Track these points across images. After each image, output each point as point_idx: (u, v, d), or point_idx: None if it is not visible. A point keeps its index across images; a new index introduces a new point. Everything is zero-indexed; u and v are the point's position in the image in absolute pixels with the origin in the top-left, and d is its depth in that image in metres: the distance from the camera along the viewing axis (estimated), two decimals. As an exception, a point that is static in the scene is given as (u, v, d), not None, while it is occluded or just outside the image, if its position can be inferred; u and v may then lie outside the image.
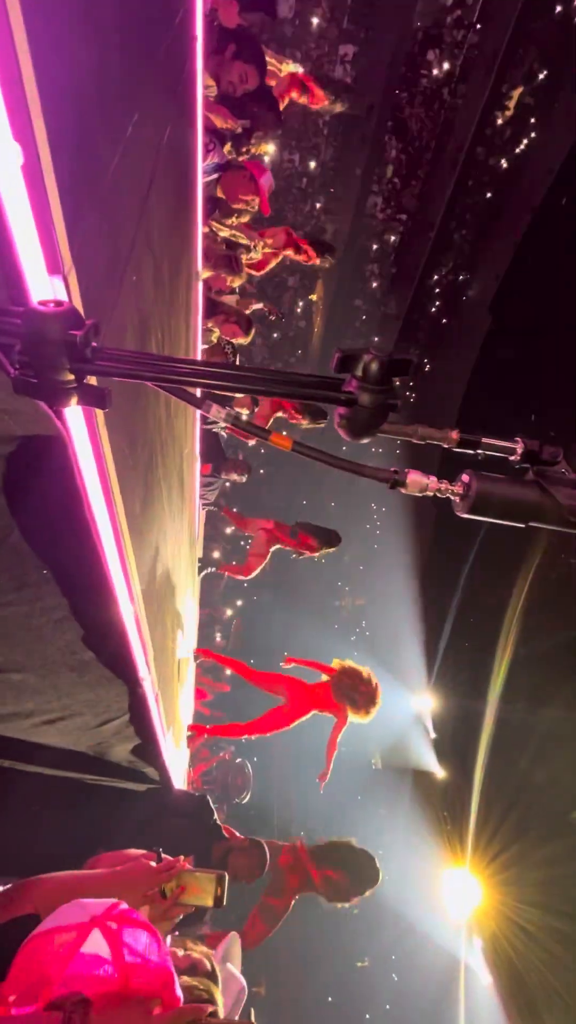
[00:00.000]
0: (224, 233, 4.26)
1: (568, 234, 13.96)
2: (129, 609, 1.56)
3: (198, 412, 4.43)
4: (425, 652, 16.20)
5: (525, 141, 15.68)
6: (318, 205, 16.73)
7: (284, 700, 4.12)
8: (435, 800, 13.78)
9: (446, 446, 0.79)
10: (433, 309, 19.17)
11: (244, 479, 5.77)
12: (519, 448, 0.80)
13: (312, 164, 14.71)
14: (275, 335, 18.74)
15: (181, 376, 0.69)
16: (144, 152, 1.49)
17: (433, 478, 0.77)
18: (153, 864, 1.53)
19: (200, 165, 3.35)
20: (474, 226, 16.97)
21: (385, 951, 13.83)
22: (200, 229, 3.24)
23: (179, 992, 0.86)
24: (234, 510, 6.45)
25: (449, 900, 9.34)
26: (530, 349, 14.50)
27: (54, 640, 1.69)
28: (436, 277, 18.65)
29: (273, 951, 13.80)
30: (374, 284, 19.24)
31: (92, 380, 0.72)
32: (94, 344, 0.68)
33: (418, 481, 0.77)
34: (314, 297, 20.08)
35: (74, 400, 0.70)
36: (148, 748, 2.80)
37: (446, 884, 9.49)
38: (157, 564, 2.32)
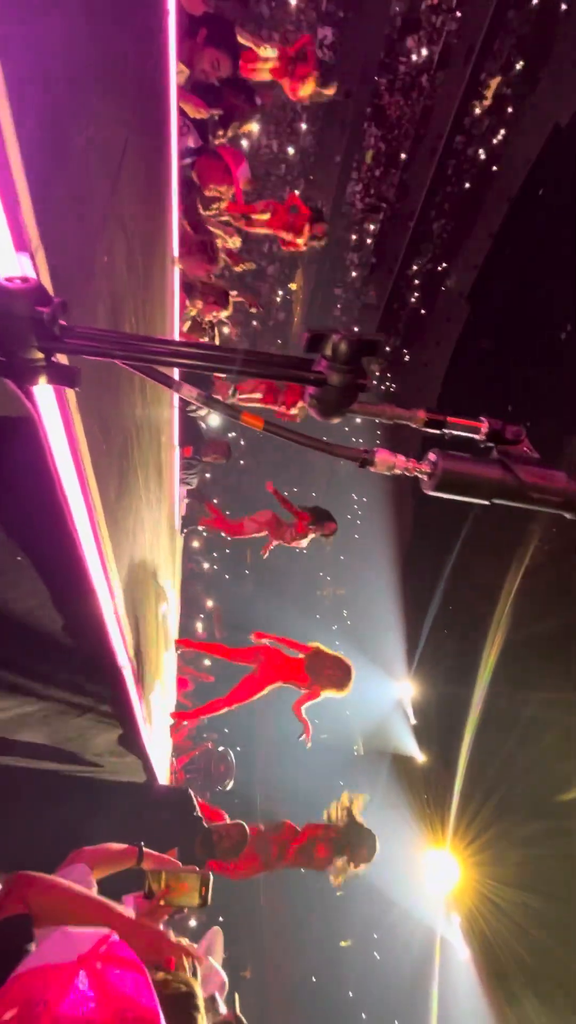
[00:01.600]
0: (216, 210, 4.15)
1: (544, 225, 14.13)
2: (107, 597, 1.55)
3: (176, 399, 4.39)
4: (406, 641, 16.46)
5: (503, 131, 15.76)
6: (297, 192, 16.59)
7: (255, 668, 4.26)
8: (416, 784, 14.10)
9: (414, 425, 0.81)
10: (412, 299, 19.24)
11: (225, 461, 5.73)
12: (484, 428, 0.82)
13: (291, 150, 14.55)
14: (254, 323, 18.59)
15: (153, 355, 0.69)
16: (113, 130, 1.46)
17: (401, 457, 0.79)
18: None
19: (174, 148, 3.29)
20: (453, 216, 17.04)
21: (367, 930, 14.19)
22: (176, 213, 3.18)
23: None
24: (226, 513, 6.37)
25: (429, 879, 9.63)
26: (508, 339, 14.70)
27: (31, 627, 1.67)
28: (415, 267, 18.71)
29: (259, 936, 14.01)
30: (354, 273, 19.21)
31: (62, 359, 0.71)
32: (62, 323, 0.68)
33: (386, 460, 0.78)
34: (294, 286, 19.95)
35: (43, 379, 0.69)
36: (129, 737, 2.81)
37: (426, 864, 9.78)
38: (135, 553, 2.31)
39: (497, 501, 0.81)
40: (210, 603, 17.95)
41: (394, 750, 15.35)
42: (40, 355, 0.66)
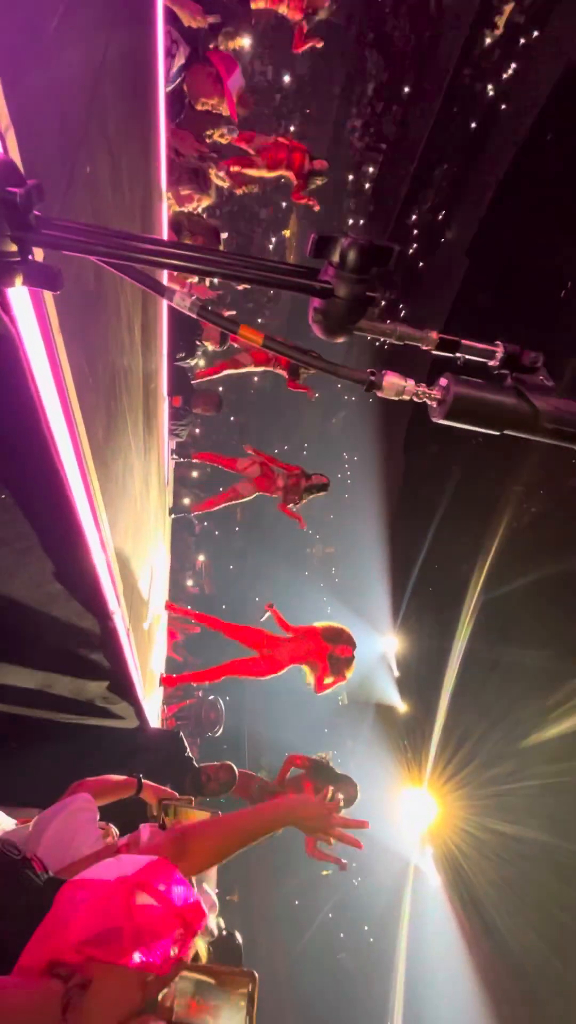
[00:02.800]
0: (213, 138, 3.86)
1: (551, 174, 13.48)
2: (95, 537, 1.51)
3: (165, 346, 4.21)
4: (391, 597, 16.84)
5: (513, 66, 14.76)
6: (292, 128, 15.52)
7: (263, 653, 4.22)
8: (397, 730, 14.80)
9: (425, 347, 0.75)
10: (411, 251, 18.51)
11: (214, 413, 5.57)
12: (499, 352, 0.77)
13: (286, 78, 13.53)
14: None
15: (140, 254, 0.62)
16: (91, 22, 1.30)
17: (411, 381, 0.74)
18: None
19: (161, 65, 3.00)
20: (456, 160, 16.16)
21: (347, 860, 15.24)
22: (163, 138, 2.93)
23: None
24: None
25: (406, 815, 10.34)
26: (507, 296, 14.29)
27: (18, 572, 1.63)
28: (415, 217, 17.90)
29: (245, 865, 14.95)
30: (350, 221, 18.34)
31: (39, 258, 0.63)
32: (37, 212, 0.60)
33: (395, 383, 0.73)
34: (287, 233, 19.02)
35: (19, 279, 0.62)
36: (121, 684, 2.84)
37: (404, 802, 10.46)
38: (125, 499, 2.25)
39: (508, 432, 0.76)
40: (201, 557, 18.06)
41: (377, 700, 16.00)
42: (14, 247, 0.59)
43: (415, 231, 18.30)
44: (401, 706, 15.41)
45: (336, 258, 0.66)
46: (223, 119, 4.00)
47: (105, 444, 1.64)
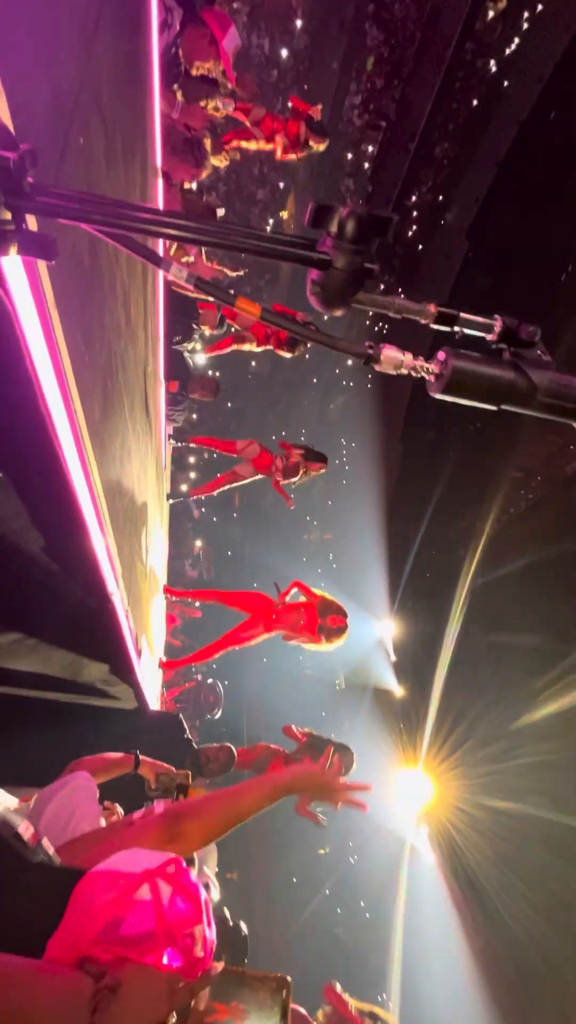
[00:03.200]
0: (200, 125, 3.79)
1: (554, 154, 13.24)
2: (93, 518, 1.51)
3: (161, 326, 4.17)
4: (388, 582, 16.94)
5: (516, 41, 14.40)
6: (290, 105, 15.17)
7: (253, 614, 4.29)
8: (393, 713, 15.02)
9: (423, 321, 0.75)
10: (409, 233, 18.23)
11: (212, 399, 5.55)
12: (497, 326, 0.77)
13: (284, 52, 13.18)
14: (242, 255, 17.56)
15: (136, 223, 0.61)
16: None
17: (409, 355, 0.74)
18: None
19: (155, 32, 2.92)
20: (457, 139, 15.84)
21: (343, 840, 15.61)
22: (158, 109, 2.87)
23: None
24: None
25: (402, 795, 10.59)
26: (506, 280, 14.13)
27: (15, 553, 1.64)
28: (414, 198, 17.59)
29: (243, 843, 15.27)
30: (349, 202, 18.05)
31: (33, 226, 0.63)
32: (30, 179, 0.59)
33: (393, 357, 0.73)
34: (285, 214, 18.68)
35: (13, 248, 0.61)
36: (121, 666, 2.86)
37: (400, 782, 10.69)
38: (122, 481, 2.25)
39: (506, 407, 0.77)
40: (198, 543, 18.10)
41: (374, 684, 16.20)
42: (8, 215, 0.58)
43: (415, 212, 18.01)
44: (397, 690, 15.62)
45: (334, 228, 0.65)
46: (220, 87, 3.92)
47: (102, 424, 1.64)
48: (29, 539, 1.57)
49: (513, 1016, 9.90)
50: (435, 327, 0.75)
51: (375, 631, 15.69)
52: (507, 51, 14.77)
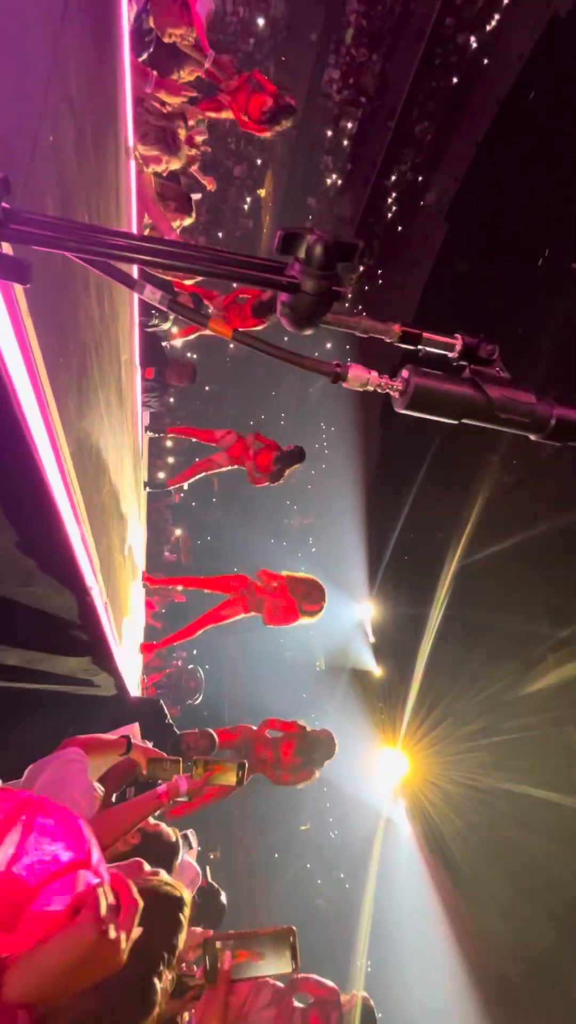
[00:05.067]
0: (175, 101, 3.69)
1: (533, 134, 13.20)
2: (71, 517, 1.53)
3: (136, 314, 4.10)
4: (368, 566, 17.18)
5: (497, 16, 14.20)
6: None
7: (231, 596, 4.36)
8: (372, 693, 15.39)
9: (388, 340, 0.78)
10: (389, 214, 18.06)
11: (189, 384, 5.49)
12: (458, 345, 0.81)
13: (261, 21, 12.76)
14: (219, 235, 17.17)
15: (111, 249, 0.63)
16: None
17: (374, 373, 0.78)
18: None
19: (125, 2, 2.82)
20: (437, 116, 15.64)
21: (323, 816, 16.11)
22: (129, 90, 2.79)
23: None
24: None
25: (380, 772, 10.95)
26: (485, 262, 14.17)
27: (-7, 550, 1.64)
28: (394, 177, 17.39)
29: (226, 820, 15.61)
30: (328, 181, 17.73)
31: (7, 250, 0.64)
32: (5, 204, 0.60)
33: (360, 375, 0.77)
34: (263, 192, 18.30)
35: (-13, 272, 0.62)
36: (101, 656, 2.89)
37: (378, 760, 11.04)
38: (99, 476, 2.25)
39: (466, 421, 0.81)
40: (178, 531, 18.01)
41: (353, 665, 16.53)
42: (-18, 243, 0.59)
43: (394, 193, 17.82)
44: (377, 671, 15.98)
45: (302, 254, 0.68)
46: (192, 54, 3.81)
47: (78, 422, 1.64)
48: (5, 537, 1.57)
49: (479, 971, 10.50)
50: (399, 346, 0.79)
51: (355, 613, 15.97)
52: (487, 27, 14.56)
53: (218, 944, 1.22)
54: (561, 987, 9.00)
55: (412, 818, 12.71)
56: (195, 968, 2.12)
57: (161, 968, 1.03)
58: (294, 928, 1.23)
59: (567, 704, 9.53)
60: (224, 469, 5.19)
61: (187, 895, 1.19)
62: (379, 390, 0.78)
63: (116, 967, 0.80)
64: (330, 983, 2.04)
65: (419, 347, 0.80)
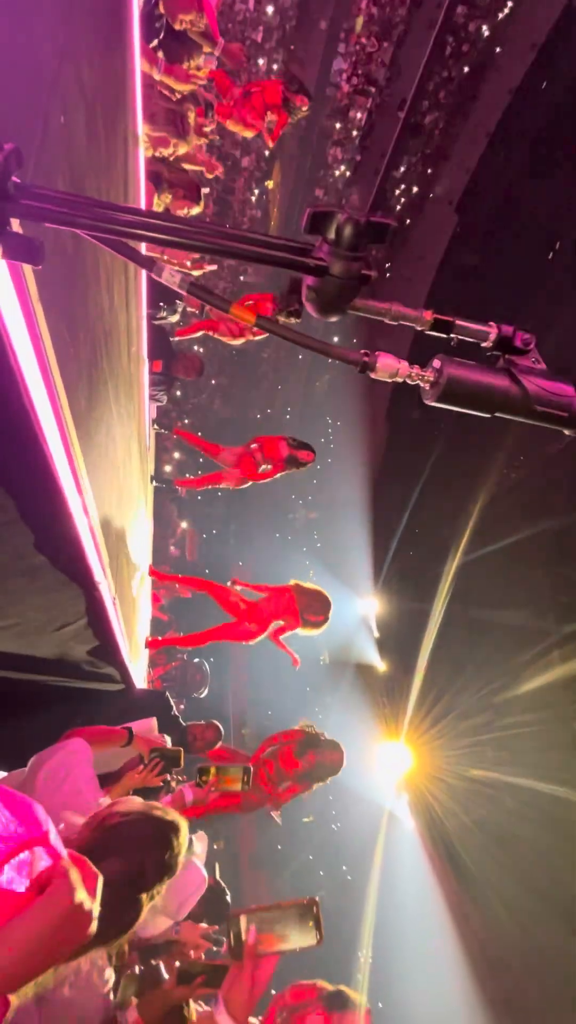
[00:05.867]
0: (184, 88, 3.62)
1: (544, 126, 12.98)
2: (80, 511, 1.50)
3: (144, 306, 4.05)
4: (372, 561, 17.14)
5: (510, 4, 13.94)
6: (275, 67, 14.54)
7: (239, 618, 4.29)
8: (376, 688, 15.40)
9: (419, 328, 0.74)
10: (398, 206, 17.85)
11: (196, 378, 5.45)
12: (492, 334, 0.76)
13: (270, 9, 12.57)
14: (227, 226, 17.03)
15: (125, 227, 0.59)
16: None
17: (404, 363, 0.73)
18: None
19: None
20: (447, 107, 15.41)
21: (326, 809, 16.17)
22: (138, 76, 2.73)
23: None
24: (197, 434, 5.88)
25: (383, 766, 10.97)
26: (494, 255, 13.99)
27: (2, 544, 1.61)
28: (403, 168, 17.17)
29: (231, 816, 15.72)
30: (336, 172, 17.53)
31: (17, 228, 0.60)
32: (15, 179, 0.56)
33: (389, 365, 0.72)
34: (271, 184, 18.11)
35: (-2, 252, 0.58)
36: (108, 650, 2.87)
37: (381, 754, 11.06)
38: (108, 469, 2.22)
39: (499, 414, 0.77)
40: (184, 524, 18.01)
41: (357, 660, 16.53)
42: (-8, 219, 0.55)
43: (403, 184, 17.61)
44: (380, 665, 15.97)
45: (331, 235, 0.63)
46: (201, 41, 3.74)
47: (88, 414, 1.60)
48: (13, 531, 1.55)
49: (483, 968, 10.54)
50: (431, 334, 0.75)
51: (359, 608, 15.94)
52: (500, 15, 14.31)
53: (242, 919, 1.20)
54: (564, 981, 9.02)
55: (415, 812, 12.74)
56: (203, 956, 2.10)
57: (148, 884, 1.06)
58: (317, 899, 1.22)
59: (572, 700, 9.50)
60: (233, 487, 5.13)
61: (182, 821, 1.20)
62: (409, 381, 0.74)
63: (86, 938, 0.81)
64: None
65: (451, 336, 0.75)
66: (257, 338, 5.14)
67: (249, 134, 4.32)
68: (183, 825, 1.19)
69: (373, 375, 0.73)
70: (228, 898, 3.01)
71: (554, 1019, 9.10)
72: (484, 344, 0.77)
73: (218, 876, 2.89)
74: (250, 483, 5.00)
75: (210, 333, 5.20)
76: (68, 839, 1.04)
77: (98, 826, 1.09)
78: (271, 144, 4.42)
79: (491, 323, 0.76)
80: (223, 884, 2.95)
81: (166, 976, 1.76)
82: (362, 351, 0.73)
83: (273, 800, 3.82)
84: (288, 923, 1.19)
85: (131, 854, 1.01)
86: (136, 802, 1.19)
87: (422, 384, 0.74)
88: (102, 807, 1.21)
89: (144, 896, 1.03)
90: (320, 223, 0.63)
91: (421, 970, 11.04)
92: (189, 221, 0.64)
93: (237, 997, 1.13)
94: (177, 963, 1.74)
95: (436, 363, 0.73)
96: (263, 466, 4.82)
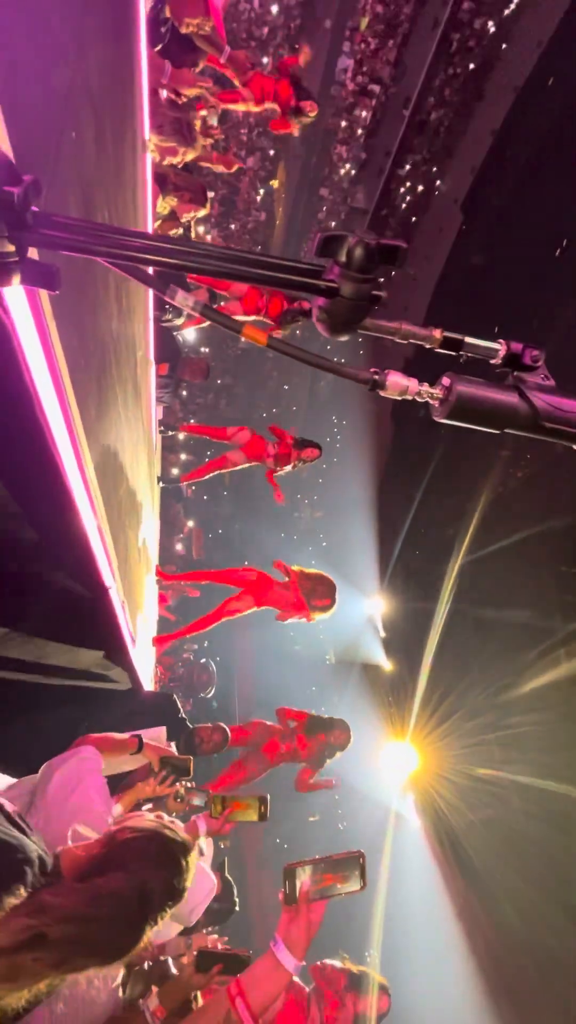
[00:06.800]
0: (191, 92, 3.63)
1: (550, 124, 12.89)
2: (90, 516, 1.51)
3: (150, 309, 4.07)
4: (378, 560, 17.12)
5: (515, 0, 13.85)
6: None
7: (243, 589, 4.32)
8: (382, 688, 15.39)
9: (428, 346, 0.75)
10: (403, 205, 17.80)
11: (203, 380, 5.46)
12: (502, 351, 0.77)
13: (274, 8, 12.55)
14: (232, 226, 17.04)
15: (139, 252, 0.60)
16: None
17: (414, 381, 0.74)
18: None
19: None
20: (453, 105, 15.34)
21: (332, 808, 16.21)
22: (145, 82, 2.74)
23: None
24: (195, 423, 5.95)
25: (389, 765, 10.99)
26: (500, 255, 13.92)
27: (14, 550, 1.63)
28: (408, 167, 17.12)
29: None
30: (341, 171, 17.50)
31: (34, 254, 0.61)
32: (35, 208, 0.57)
33: (398, 383, 0.73)
34: (275, 183, 18.10)
35: (16, 279, 0.60)
36: (117, 653, 2.89)
37: (387, 754, 11.07)
38: (116, 473, 2.24)
39: (508, 430, 0.78)
40: (190, 523, 18.07)
41: (363, 660, 16.52)
42: (12, 248, 0.57)
43: (408, 183, 17.55)
44: (387, 665, 15.96)
45: (343, 257, 0.64)
46: (207, 47, 3.75)
47: (97, 422, 1.62)
48: (27, 537, 1.57)
49: (490, 966, 10.53)
50: (440, 351, 0.75)
51: (364, 608, 15.93)
52: (505, 11, 14.21)
53: (297, 870, 1.37)
54: (572, 978, 9.00)
55: (422, 811, 12.73)
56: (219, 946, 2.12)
57: (155, 908, 1.05)
58: (363, 851, 1.40)
59: (579, 699, 9.47)
60: (240, 467, 5.15)
61: (190, 843, 1.22)
62: (419, 399, 0.75)
63: None
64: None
65: (461, 353, 0.76)
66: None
67: (253, 108, 4.28)
68: (192, 847, 1.20)
69: (383, 393, 0.74)
70: (235, 895, 3.03)
71: (562, 1016, 9.08)
72: (493, 361, 0.77)
73: (227, 872, 2.91)
74: (253, 463, 5.06)
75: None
76: (77, 855, 1.04)
77: (108, 840, 1.09)
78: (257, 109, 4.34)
79: (500, 340, 0.77)
80: (231, 879, 2.97)
81: (175, 972, 1.78)
82: (372, 369, 0.74)
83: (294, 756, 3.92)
84: (337, 872, 1.38)
85: (138, 871, 1.00)
86: (147, 818, 1.20)
87: (431, 401, 0.75)
88: (113, 819, 1.22)
89: (148, 920, 1.01)
90: (331, 246, 0.64)
91: (428, 968, 11.04)
92: (199, 245, 0.65)
93: (295, 936, 1.29)
94: (195, 951, 1.77)
95: (445, 381, 0.74)
96: (270, 449, 4.90)
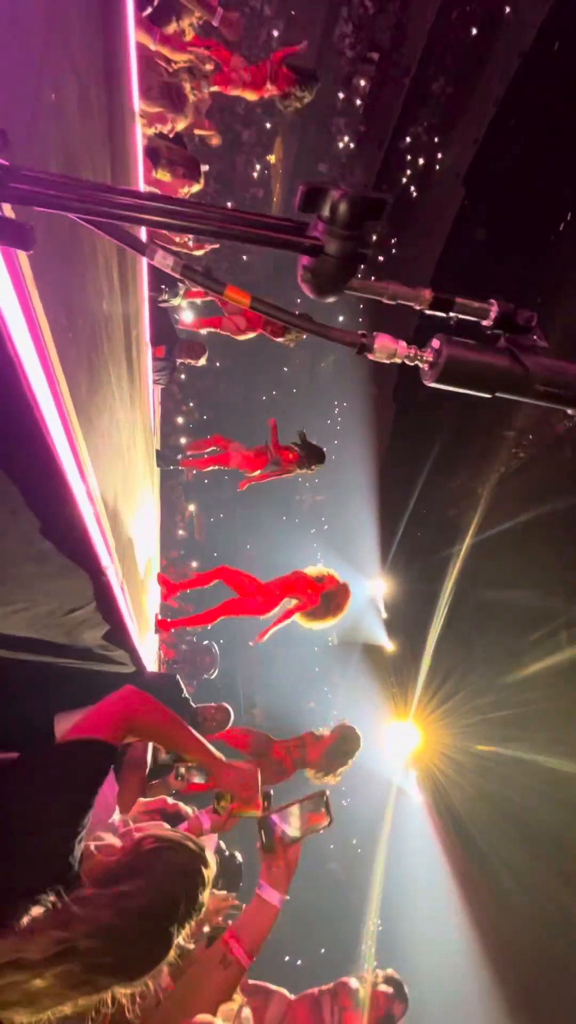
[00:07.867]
0: (180, 58, 3.52)
1: (557, 92, 12.47)
2: (84, 496, 1.50)
3: (145, 289, 4.00)
4: (380, 542, 17.15)
5: (520, -41, 13.32)
6: (276, 33, 14.04)
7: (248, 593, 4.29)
8: (384, 668, 15.55)
9: (418, 307, 0.73)
10: (404, 179, 17.35)
11: (201, 363, 5.40)
12: (493, 312, 0.75)
13: (269, -28, 12.10)
14: (228, 205, 16.67)
15: (119, 210, 0.58)
16: None
17: (403, 343, 0.72)
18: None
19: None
20: (454, 73, 14.84)
21: (337, 784, 16.57)
22: (133, 48, 2.65)
23: None
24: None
25: (391, 744, 11.18)
26: (503, 229, 13.62)
27: (9, 531, 1.63)
28: (408, 139, 16.65)
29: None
30: (340, 144, 17.04)
31: (7, 212, 0.59)
32: (4, 161, 0.55)
33: (387, 346, 0.71)
34: (272, 159, 17.65)
35: (-12, 238, 0.58)
36: (118, 634, 2.91)
37: (389, 733, 11.25)
38: (112, 454, 2.22)
39: (500, 394, 0.76)
40: (191, 507, 18.08)
41: (365, 641, 16.66)
42: (-19, 204, 0.55)
43: (408, 156, 17.09)
44: (389, 645, 16.10)
45: (326, 212, 0.62)
46: (198, 8, 3.62)
47: (89, 400, 1.60)
48: (20, 517, 1.56)
49: (490, 933, 10.83)
50: (430, 313, 0.73)
51: (367, 589, 16.01)
52: (510, -29, 13.69)
53: (271, 817, 1.47)
54: (574, 951, 9.26)
55: (423, 788, 12.99)
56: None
57: (181, 918, 1.04)
58: (326, 791, 1.52)
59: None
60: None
61: (208, 851, 1.23)
62: (407, 361, 0.73)
63: None
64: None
65: (451, 314, 0.74)
66: (272, 338, 5.10)
67: (252, 96, 4.19)
68: (210, 863, 1.20)
69: (371, 356, 0.72)
70: (239, 859, 3.11)
71: (564, 991, 9.37)
72: (484, 322, 0.75)
73: (223, 844, 2.98)
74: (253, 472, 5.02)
75: (221, 330, 5.20)
76: (101, 860, 1.03)
77: (134, 848, 1.08)
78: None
79: (491, 300, 0.75)
80: (224, 847, 3.04)
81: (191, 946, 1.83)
82: (360, 332, 0.72)
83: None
84: (305, 812, 1.49)
85: (163, 882, 0.99)
86: (166, 827, 1.20)
87: (421, 364, 0.73)
88: (120, 821, 1.24)
89: (175, 931, 1.00)
90: (314, 200, 0.62)
91: (428, 939, 11.38)
92: (183, 202, 0.63)
93: (276, 875, 1.40)
94: (206, 928, 1.80)
95: (435, 343, 0.72)
96: (270, 465, 4.87)
